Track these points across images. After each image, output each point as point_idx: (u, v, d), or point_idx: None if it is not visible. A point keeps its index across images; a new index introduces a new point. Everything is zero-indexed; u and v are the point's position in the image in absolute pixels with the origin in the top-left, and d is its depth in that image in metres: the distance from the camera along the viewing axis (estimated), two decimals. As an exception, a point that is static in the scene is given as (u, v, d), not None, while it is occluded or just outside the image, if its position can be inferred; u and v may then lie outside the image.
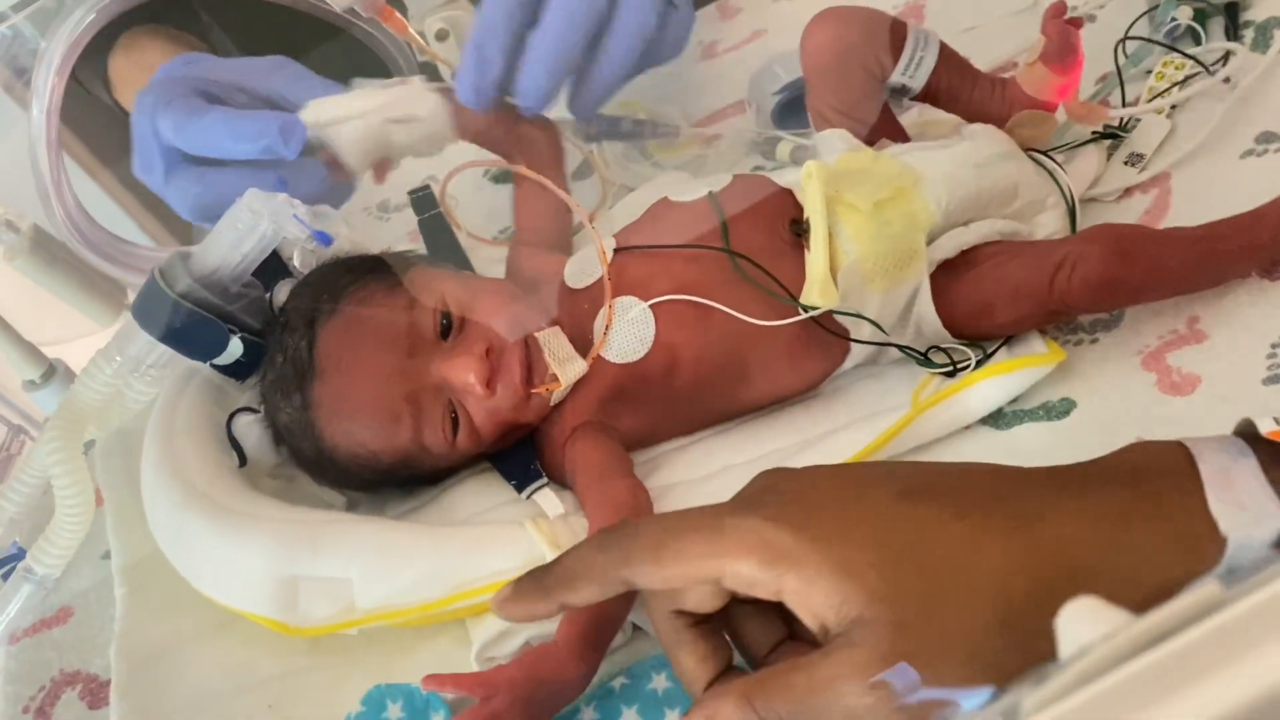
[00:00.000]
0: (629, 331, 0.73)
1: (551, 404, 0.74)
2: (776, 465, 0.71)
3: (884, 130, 0.81)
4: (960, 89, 0.79)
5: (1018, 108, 0.77)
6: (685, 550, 0.51)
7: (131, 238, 1.58)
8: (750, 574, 0.49)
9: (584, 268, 0.78)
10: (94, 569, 0.86)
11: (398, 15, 0.86)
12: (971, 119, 0.79)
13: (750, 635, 0.56)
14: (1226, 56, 0.83)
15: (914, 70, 0.77)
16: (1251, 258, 0.71)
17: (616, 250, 0.77)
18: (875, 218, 0.71)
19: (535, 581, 0.56)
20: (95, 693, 0.78)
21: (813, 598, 0.48)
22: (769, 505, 0.52)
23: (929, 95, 0.79)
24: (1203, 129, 0.80)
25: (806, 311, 0.71)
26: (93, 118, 1.38)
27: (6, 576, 0.84)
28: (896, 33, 0.76)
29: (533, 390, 0.72)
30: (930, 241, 0.72)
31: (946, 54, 0.78)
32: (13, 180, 1.09)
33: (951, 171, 0.73)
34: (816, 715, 0.47)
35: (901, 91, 0.79)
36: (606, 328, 0.74)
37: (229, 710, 0.72)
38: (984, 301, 0.72)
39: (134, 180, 1.61)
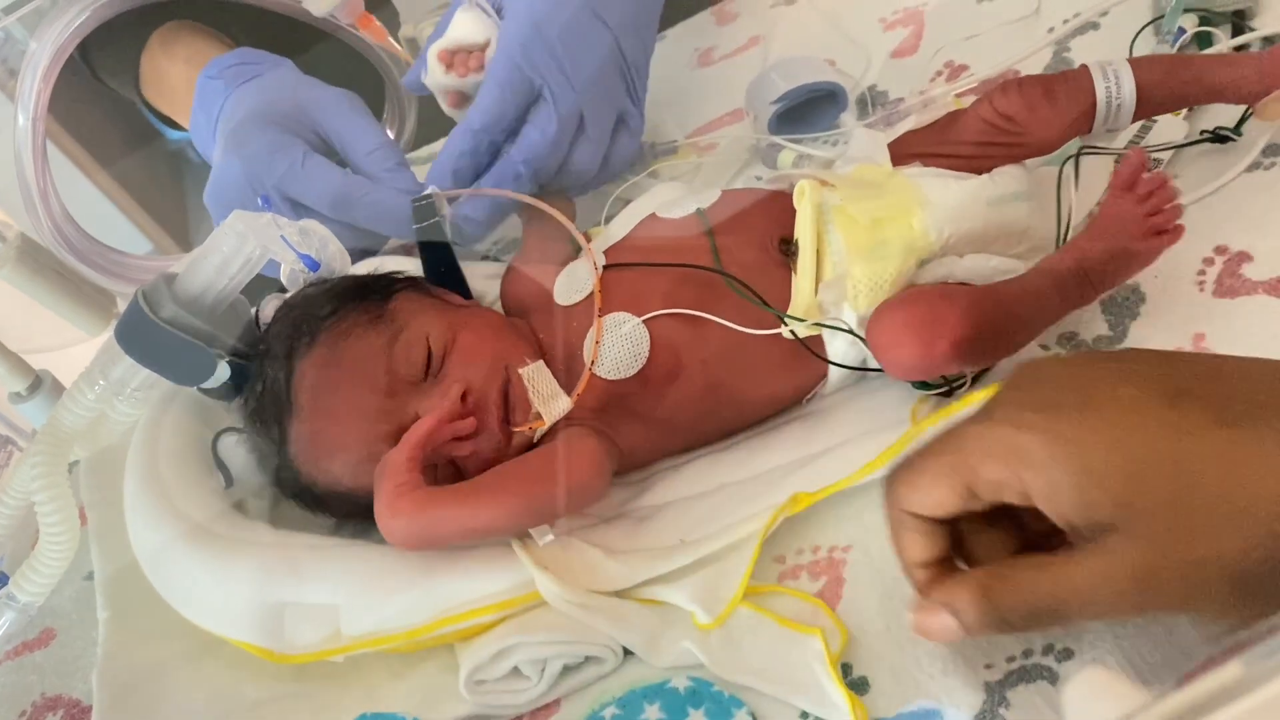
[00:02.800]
0: (622, 347, 0.72)
1: (535, 440, 0.72)
2: (774, 483, 0.70)
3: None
4: (1186, 91, 0.74)
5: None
6: (933, 466, 0.52)
7: (130, 240, 1.57)
8: (997, 477, 0.49)
9: (572, 284, 0.76)
10: (76, 589, 0.84)
11: (376, 23, 0.85)
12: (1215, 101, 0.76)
13: (981, 549, 0.55)
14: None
15: (1115, 116, 0.73)
16: (1066, 290, 0.69)
17: (605, 266, 0.76)
18: (872, 234, 0.70)
19: None
20: (77, 719, 0.77)
21: (1059, 500, 0.47)
22: (1014, 407, 0.51)
23: (1157, 109, 0.75)
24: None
25: (789, 326, 0.70)
26: (90, 119, 1.36)
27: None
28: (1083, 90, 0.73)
29: (515, 429, 0.71)
30: (922, 265, 0.71)
31: (1152, 74, 0.73)
32: (5, 185, 1.07)
33: (961, 203, 0.71)
34: (1056, 617, 0.47)
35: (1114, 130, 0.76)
36: (596, 342, 0.72)
37: (213, 737, 0.70)
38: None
39: (133, 181, 1.60)
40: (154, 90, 1.13)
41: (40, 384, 1.08)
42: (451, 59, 0.88)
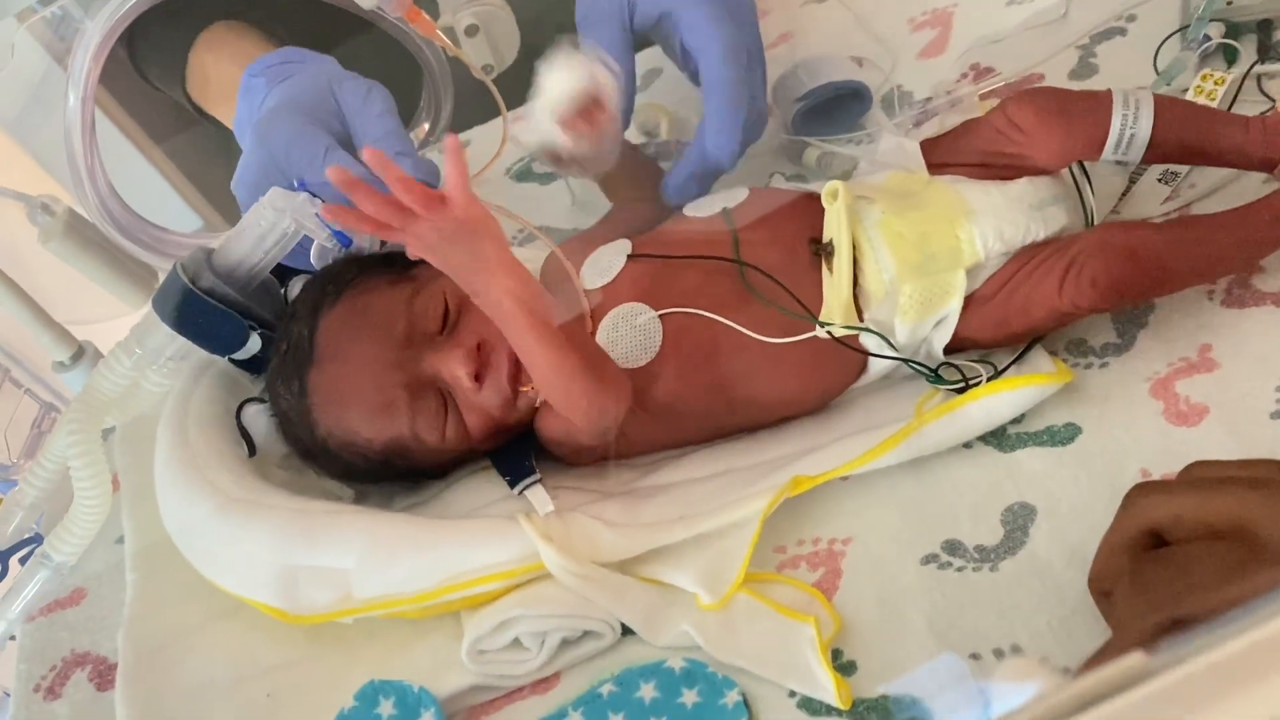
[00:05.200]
0: (635, 338, 0.74)
1: (538, 403, 0.74)
2: (778, 468, 0.71)
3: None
4: (1195, 143, 0.72)
5: None
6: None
7: (182, 216, 1.61)
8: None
9: (599, 270, 0.78)
10: (107, 551, 0.87)
11: (425, 16, 0.86)
12: (1223, 165, 0.74)
13: (1201, 570, 0.54)
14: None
15: (1126, 148, 0.71)
16: (1242, 254, 0.70)
17: (631, 256, 0.77)
18: (921, 249, 0.70)
19: None
20: (103, 675, 0.80)
21: None
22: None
23: (1163, 157, 0.74)
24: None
25: (824, 330, 0.71)
26: (145, 96, 1.40)
27: (24, 561, 0.86)
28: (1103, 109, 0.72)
29: (521, 388, 0.73)
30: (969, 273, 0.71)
31: (1170, 115, 0.71)
32: (56, 161, 1.11)
33: (1005, 211, 0.71)
34: None
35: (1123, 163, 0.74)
36: (594, 329, 0.74)
37: (229, 698, 0.73)
38: (998, 317, 0.71)
39: (184, 158, 1.63)
40: (199, 91, 1.17)
41: (83, 354, 1.12)
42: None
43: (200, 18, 1.10)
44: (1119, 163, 0.73)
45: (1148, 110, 0.70)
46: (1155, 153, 0.72)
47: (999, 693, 0.27)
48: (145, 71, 1.19)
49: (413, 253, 0.67)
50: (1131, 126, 0.70)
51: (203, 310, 0.75)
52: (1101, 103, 0.71)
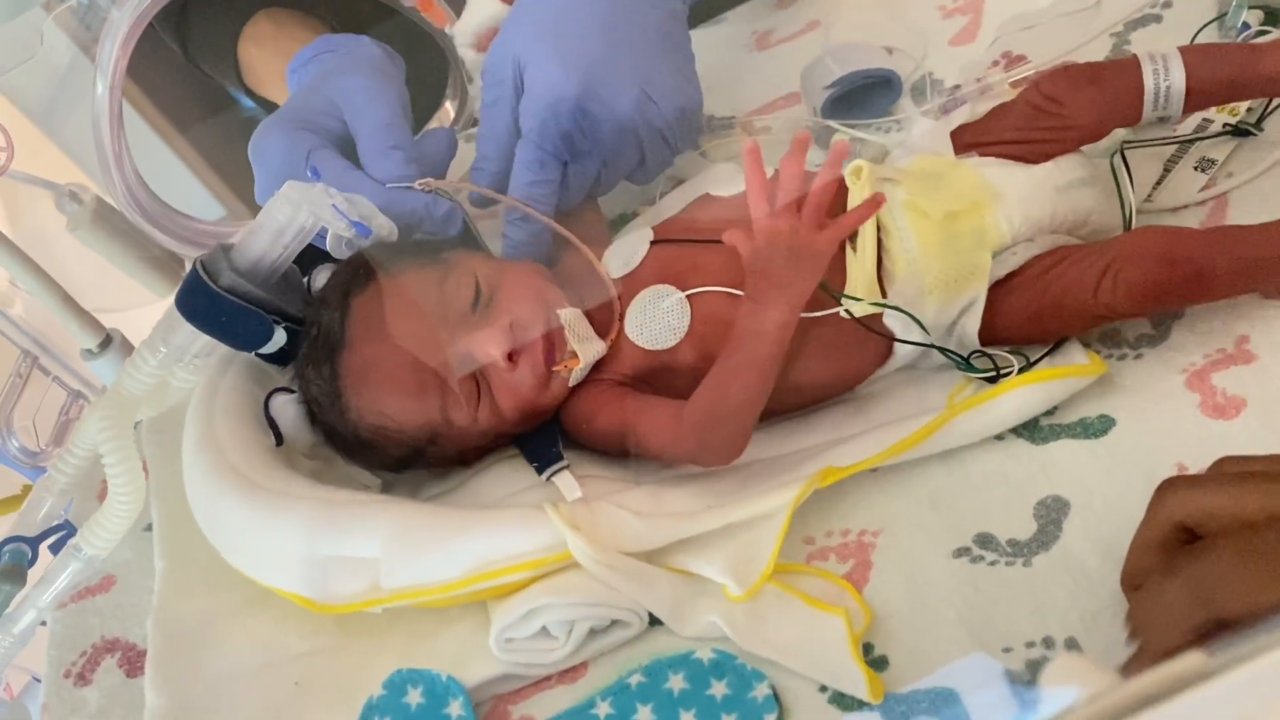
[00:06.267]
0: (663, 320, 0.74)
1: (570, 384, 0.74)
2: (808, 459, 0.71)
3: None
4: (1238, 79, 0.72)
5: None
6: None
7: (205, 205, 1.62)
8: None
9: (622, 257, 0.78)
10: (137, 538, 0.88)
11: (437, 6, 0.87)
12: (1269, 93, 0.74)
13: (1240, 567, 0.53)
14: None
15: (1164, 102, 0.72)
16: None
17: (654, 242, 0.77)
18: (945, 228, 0.70)
19: None
20: (133, 661, 0.81)
21: None
22: None
23: (1209, 101, 0.74)
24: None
25: (845, 308, 0.70)
26: (168, 85, 1.41)
27: (54, 548, 0.86)
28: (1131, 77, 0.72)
29: (554, 368, 0.73)
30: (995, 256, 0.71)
31: (1201, 59, 0.71)
32: (84, 149, 1.11)
33: (1031, 193, 0.71)
34: None
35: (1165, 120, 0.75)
36: (621, 316, 0.75)
37: (257, 685, 0.73)
38: (1031, 312, 0.70)
39: (208, 148, 1.64)
40: (254, 82, 1.19)
41: (110, 342, 1.12)
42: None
43: (242, 11, 1.11)
44: (1161, 119, 0.73)
45: (1177, 61, 0.71)
46: (1200, 98, 0.72)
47: (1050, 691, 0.27)
48: (200, 65, 1.21)
49: (736, 238, 0.68)
50: (1165, 79, 0.71)
51: (224, 309, 0.74)
52: (1129, 65, 0.72)
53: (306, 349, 0.76)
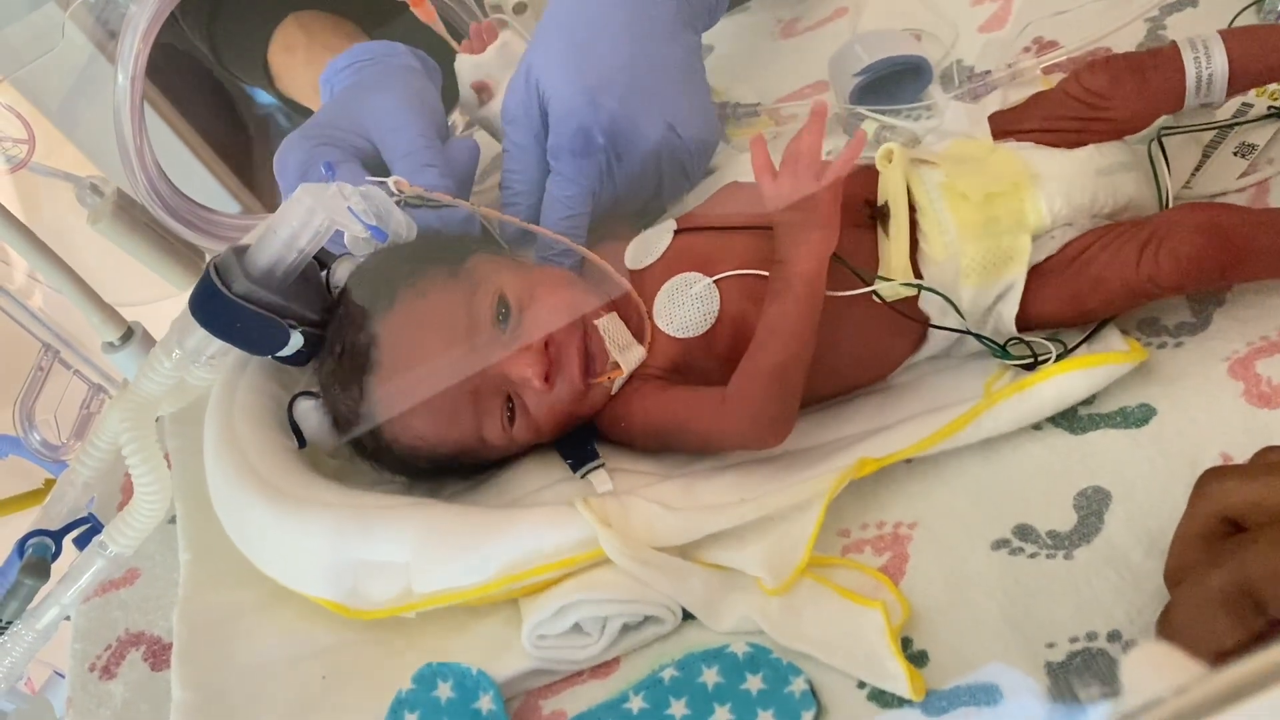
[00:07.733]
0: (693, 306, 0.73)
1: (613, 392, 0.73)
2: (842, 450, 0.70)
3: None
4: None
5: None
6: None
7: (218, 201, 1.62)
8: None
9: (645, 249, 0.77)
10: (161, 531, 0.86)
11: (428, 5, 0.87)
12: None
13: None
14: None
15: (1207, 89, 0.71)
16: None
17: (679, 231, 0.77)
18: (984, 211, 0.69)
19: None
20: (158, 655, 0.80)
21: None
22: None
23: (1253, 82, 0.72)
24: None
25: (874, 289, 0.69)
26: (181, 81, 1.40)
27: (78, 541, 0.85)
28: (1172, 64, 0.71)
29: (593, 381, 0.72)
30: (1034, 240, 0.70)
31: (1243, 43, 0.70)
32: (105, 143, 1.11)
33: (1071, 175, 0.70)
34: None
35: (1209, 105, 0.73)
36: (649, 313, 0.74)
37: (285, 679, 0.72)
38: (1069, 293, 0.69)
39: (224, 144, 1.64)
40: (287, 88, 1.19)
41: (131, 335, 1.12)
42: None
43: (270, 16, 1.11)
44: (1204, 105, 0.72)
45: (1218, 46, 0.70)
46: (1243, 81, 0.70)
47: (1131, 682, 0.26)
48: (231, 70, 1.21)
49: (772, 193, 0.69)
50: (1208, 66, 0.70)
51: (238, 315, 0.71)
52: (1170, 53, 0.70)
53: (333, 367, 0.74)
